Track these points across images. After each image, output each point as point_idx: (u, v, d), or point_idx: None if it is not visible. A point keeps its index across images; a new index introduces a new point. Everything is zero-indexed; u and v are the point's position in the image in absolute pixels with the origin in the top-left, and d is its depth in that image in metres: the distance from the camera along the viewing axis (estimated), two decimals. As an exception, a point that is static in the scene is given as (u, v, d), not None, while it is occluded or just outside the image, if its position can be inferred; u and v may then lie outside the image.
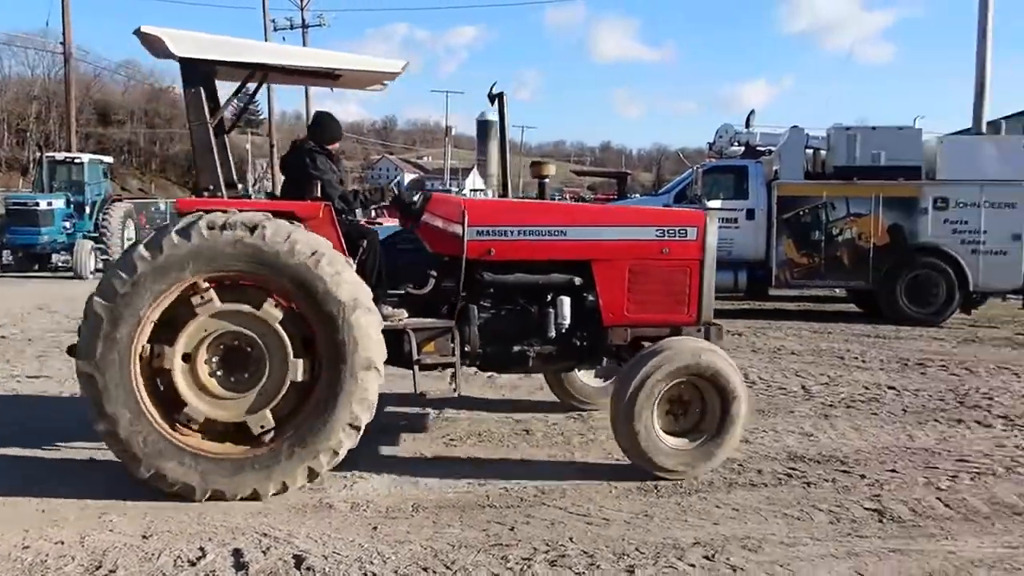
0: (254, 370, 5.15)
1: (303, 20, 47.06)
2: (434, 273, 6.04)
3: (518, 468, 5.90)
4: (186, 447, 5.02)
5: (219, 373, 5.17)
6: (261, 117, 58.19)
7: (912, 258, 14.03)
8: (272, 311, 5.09)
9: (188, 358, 5.11)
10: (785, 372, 9.72)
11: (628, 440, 5.61)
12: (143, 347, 5.02)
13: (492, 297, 6.07)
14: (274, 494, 5.09)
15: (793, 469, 5.95)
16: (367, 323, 5.13)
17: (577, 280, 6.08)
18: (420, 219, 6.07)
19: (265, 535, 4.59)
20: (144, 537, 4.54)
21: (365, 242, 5.87)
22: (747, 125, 16.85)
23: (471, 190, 49.21)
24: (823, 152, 14.97)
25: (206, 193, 5.40)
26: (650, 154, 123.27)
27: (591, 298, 6.10)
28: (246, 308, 5.09)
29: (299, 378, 5.12)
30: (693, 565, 4.30)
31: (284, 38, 47.79)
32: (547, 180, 7.94)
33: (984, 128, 18.70)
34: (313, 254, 5.03)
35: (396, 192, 6.37)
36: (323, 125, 6.32)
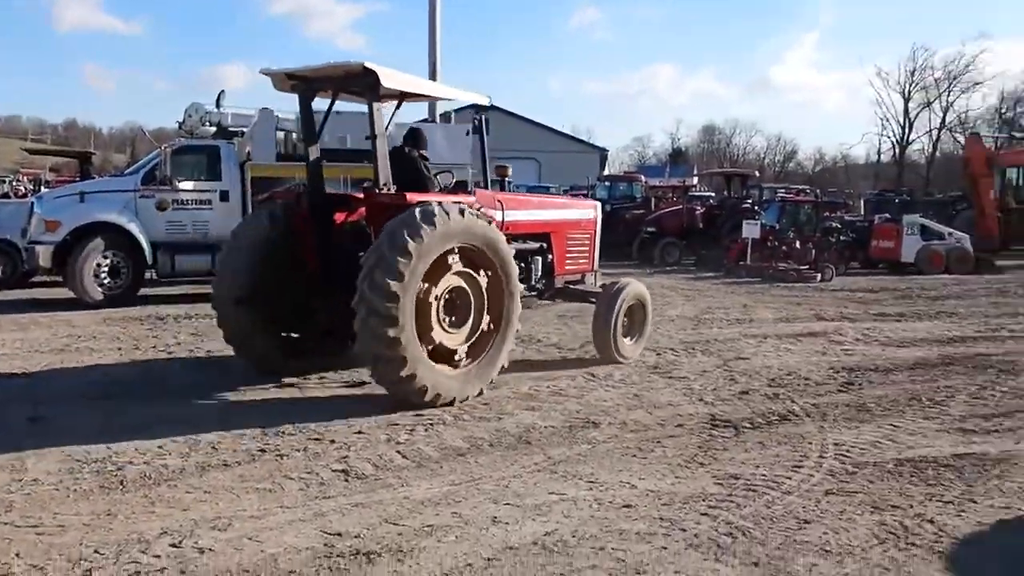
0: (460, 315, 7.37)
1: None
2: None
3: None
4: (432, 367, 7.00)
5: (444, 313, 7.22)
6: None
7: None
8: (482, 278, 7.45)
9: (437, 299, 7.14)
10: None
11: (610, 342, 8.98)
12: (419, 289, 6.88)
13: None
14: (476, 396, 7.36)
15: (267, 444, 6.05)
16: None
17: (544, 246, 9.11)
18: None
19: None
20: None
21: None
22: (217, 105, 16.41)
23: None
24: (295, 135, 15.26)
25: (384, 188, 7.34)
26: (123, 133, 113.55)
27: (550, 257, 9.20)
28: (472, 272, 7.37)
29: (486, 328, 7.52)
30: (159, 555, 4.16)
31: None
32: (508, 179, 11.17)
33: (438, 118, 20.70)
34: (491, 223, 7.49)
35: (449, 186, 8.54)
36: (420, 135, 8.44)
